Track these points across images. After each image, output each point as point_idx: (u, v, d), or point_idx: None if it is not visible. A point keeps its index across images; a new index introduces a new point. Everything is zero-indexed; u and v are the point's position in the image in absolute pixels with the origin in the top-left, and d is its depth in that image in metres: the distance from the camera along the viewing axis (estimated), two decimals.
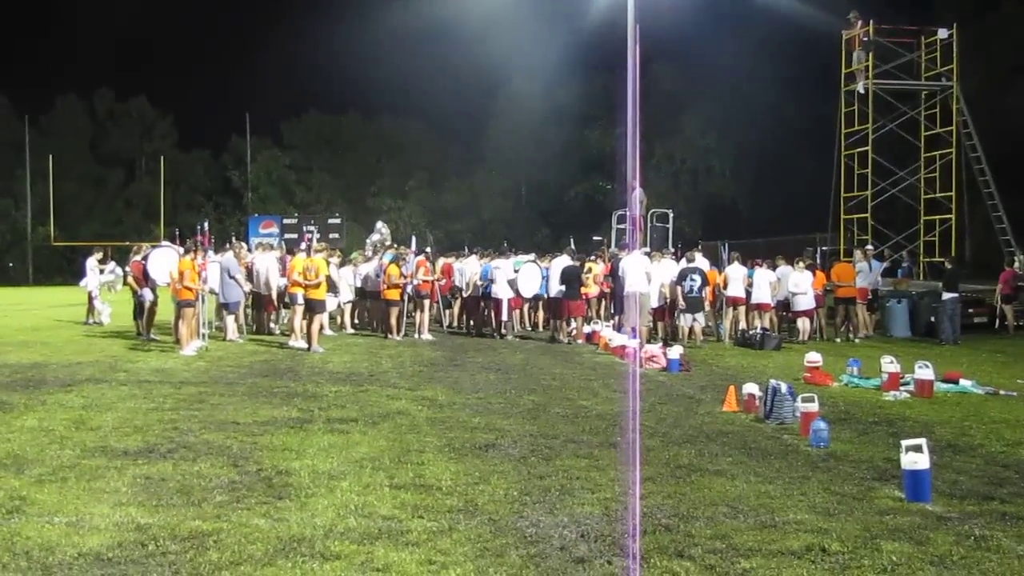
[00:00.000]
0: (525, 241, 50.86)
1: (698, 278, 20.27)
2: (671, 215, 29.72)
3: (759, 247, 33.61)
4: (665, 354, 16.15)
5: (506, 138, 65.44)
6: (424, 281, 21.84)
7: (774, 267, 22.37)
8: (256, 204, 68.98)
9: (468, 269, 23.33)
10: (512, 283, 22.02)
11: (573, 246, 26.29)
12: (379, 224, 31.86)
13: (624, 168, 33.69)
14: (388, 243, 27.29)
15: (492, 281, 21.94)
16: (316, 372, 14.87)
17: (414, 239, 23.26)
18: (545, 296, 22.79)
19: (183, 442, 9.16)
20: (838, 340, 21.88)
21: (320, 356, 17.23)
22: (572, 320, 21.28)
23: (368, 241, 30.02)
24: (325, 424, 10.22)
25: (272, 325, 22.01)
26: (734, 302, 21.68)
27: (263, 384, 13.31)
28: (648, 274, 19.73)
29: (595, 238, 33.27)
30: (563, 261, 21.93)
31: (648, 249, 23.83)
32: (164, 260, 19.76)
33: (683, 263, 21.43)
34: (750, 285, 21.64)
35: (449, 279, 24.41)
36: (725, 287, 21.79)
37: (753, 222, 52.37)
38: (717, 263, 24.23)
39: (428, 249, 24.96)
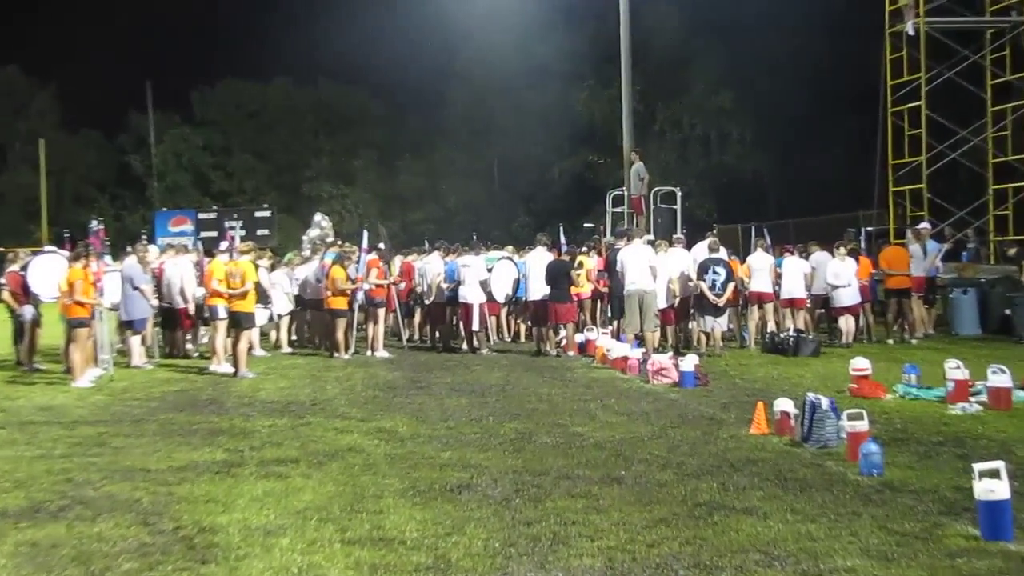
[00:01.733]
0: (501, 232, 50.92)
1: (722, 271, 20.28)
2: (679, 194, 29.78)
3: (788, 230, 33.67)
4: (677, 366, 16.15)
5: (473, 106, 65.41)
6: (377, 286, 21.82)
7: (807, 254, 22.42)
8: (164, 196, 68.71)
9: (431, 269, 23.27)
10: (484, 284, 22.01)
11: (563, 236, 26.26)
12: (317, 216, 31.76)
13: (619, 138, 33.72)
14: (330, 239, 27.17)
15: (460, 283, 21.92)
16: (245, 403, 14.80)
17: (365, 234, 23.20)
18: (523, 299, 22.76)
19: (79, 497, 9.08)
20: (891, 341, 21.96)
21: (250, 382, 17.16)
22: (561, 327, 21.26)
23: (305, 238, 29.93)
24: (258, 467, 10.17)
25: (189, 346, 21.92)
26: (760, 299, 21.69)
27: (179, 420, 13.23)
28: (652, 268, 19.71)
29: (586, 225, 33.36)
30: (540, 255, 21.82)
31: (652, 237, 23.82)
32: (49, 270, 19.60)
33: (697, 252, 21.43)
34: (779, 277, 21.68)
35: (409, 282, 24.38)
36: (748, 280, 21.82)
37: (781, 199, 52.57)
38: (738, 251, 24.31)
39: (381, 245, 24.87)
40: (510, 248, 26.73)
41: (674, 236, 23.60)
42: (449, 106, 67.89)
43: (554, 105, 60.71)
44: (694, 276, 20.61)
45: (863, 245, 25.07)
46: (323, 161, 71.61)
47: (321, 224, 30.47)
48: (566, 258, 22.34)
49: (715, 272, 20.30)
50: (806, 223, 36.53)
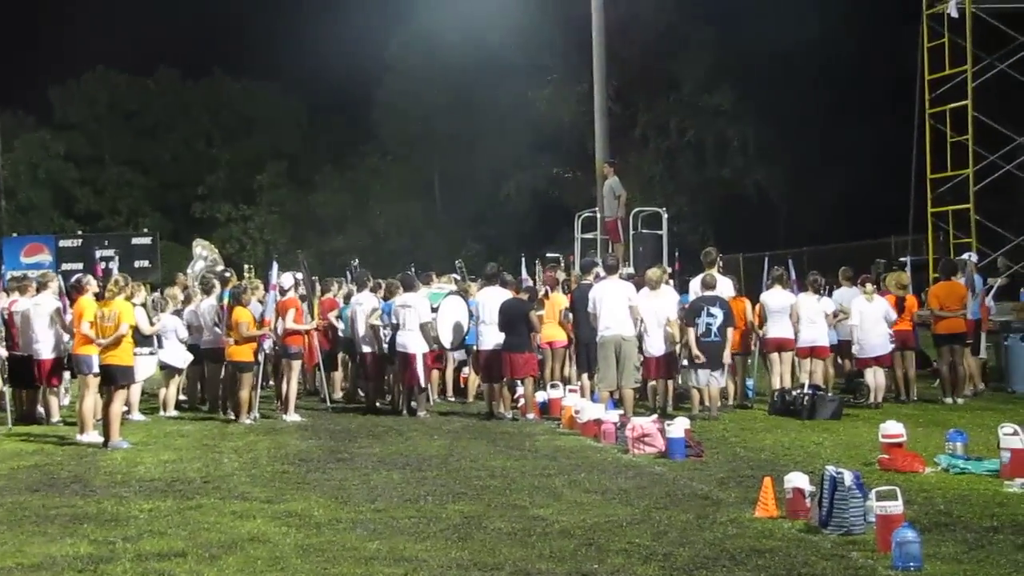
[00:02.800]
0: (443, 262, 50.86)
1: (719, 313, 20.19)
2: (665, 215, 29.90)
3: (802, 259, 33.79)
4: (663, 431, 16.16)
5: (409, 106, 65.41)
6: (293, 332, 21.58)
7: (828, 290, 22.45)
8: (14, 218, 68.14)
9: (363, 308, 23.05)
10: (428, 328, 21.81)
11: (524, 270, 26.22)
12: (198, 248, 31.40)
13: (591, 146, 33.87)
14: (224, 270, 26.67)
15: (397, 327, 21.74)
16: (118, 481, 14.67)
17: (275, 266, 22.96)
18: (475, 348, 22.68)
19: None
20: (949, 400, 21.81)
21: (124, 455, 17.01)
22: (519, 383, 21.21)
23: (190, 271, 29.65)
24: (134, 563, 10.10)
25: (40, 409, 21.61)
26: (780, 347, 21.63)
27: (32, 503, 13.11)
28: (633, 308, 19.73)
29: (550, 255, 33.45)
30: (496, 293, 21.73)
31: (631, 270, 23.84)
32: None
33: (692, 288, 21.40)
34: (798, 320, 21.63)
35: (324, 322, 24.26)
36: (761, 325, 21.79)
37: (792, 222, 52.82)
38: (742, 285, 24.27)
39: (287, 282, 23.94)
40: (447, 278, 26.61)
41: (658, 266, 23.52)
42: (379, 105, 67.91)
43: (510, 104, 60.75)
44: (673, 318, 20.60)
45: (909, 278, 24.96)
46: (219, 175, 71.41)
47: (203, 255, 30.25)
48: (524, 296, 22.07)
49: (709, 314, 20.10)
50: (824, 252, 36.78)
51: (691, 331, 20.06)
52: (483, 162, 63.28)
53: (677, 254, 27.39)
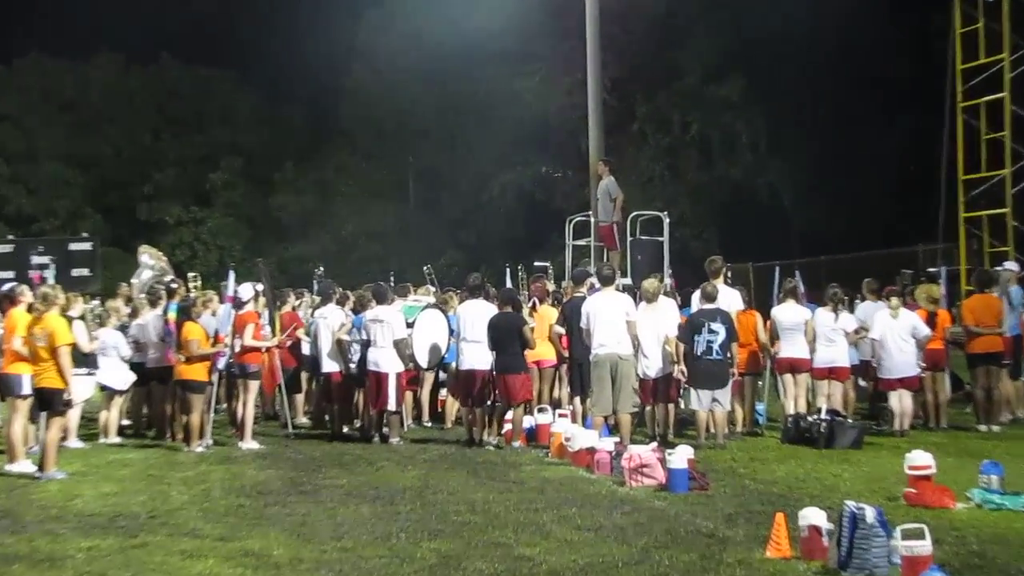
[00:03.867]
0: (417, 272, 50.83)
1: (720, 329, 20.15)
2: (666, 221, 29.86)
3: (818, 270, 33.75)
4: (663, 461, 16.17)
5: (380, 98, 65.37)
6: (251, 349, 21.53)
7: (849, 304, 22.44)
8: None
9: (326, 323, 23.01)
10: (403, 346, 21.76)
11: (509, 281, 26.18)
12: (144, 256, 31.22)
13: (584, 142, 33.87)
14: (172, 281, 26.48)
15: (368, 343, 21.68)
16: (54, 516, 14.66)
17: (232, 275, 22.86)
18: (454, 366, 22.63)
19: None
20: (983, 427, 21.93)
21: (60, 486, 16.98)
22: (509, 407, 21.10)
23: (135, 281, 29.50)
24: None
25: None
26: (793, 367, 21.64)
27: None
28: (630, 324, 19.72)
29: (538, 264, 33.46)
30: (479, 307, 21.63)
31: (628, 280, 23.80)
32: None
33: (694, 301, 21.41)
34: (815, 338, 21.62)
35: (288, 339, 24.22)
36: (773, 342, 21.79)
37: (807, 228, 52.79)
38: (751, 297, 24.27)
39: (258, 289, 23.69)
40: (425, 290, 26.60)
41: (655, 275, 23.50)
42: (347, 97, 67.87)
43: (494, 96, 60.72)
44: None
45: (943, 291, 24.90)
46: (168, 173, 71.28)
47: (150, 264, 30.09)
48: (508, 308, 21.83)
49: (711, 331, 19.94)
50: (844, 261, 36.75)
51: (685, 348, 20.03)
52: (463, 160, 63.27)
53: (670, 272, 27.22)
